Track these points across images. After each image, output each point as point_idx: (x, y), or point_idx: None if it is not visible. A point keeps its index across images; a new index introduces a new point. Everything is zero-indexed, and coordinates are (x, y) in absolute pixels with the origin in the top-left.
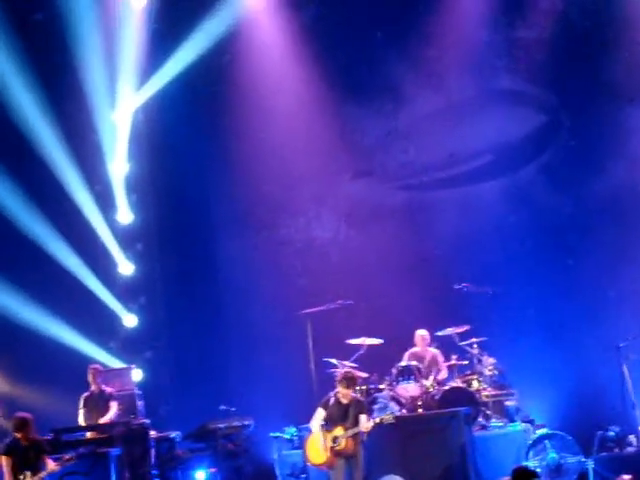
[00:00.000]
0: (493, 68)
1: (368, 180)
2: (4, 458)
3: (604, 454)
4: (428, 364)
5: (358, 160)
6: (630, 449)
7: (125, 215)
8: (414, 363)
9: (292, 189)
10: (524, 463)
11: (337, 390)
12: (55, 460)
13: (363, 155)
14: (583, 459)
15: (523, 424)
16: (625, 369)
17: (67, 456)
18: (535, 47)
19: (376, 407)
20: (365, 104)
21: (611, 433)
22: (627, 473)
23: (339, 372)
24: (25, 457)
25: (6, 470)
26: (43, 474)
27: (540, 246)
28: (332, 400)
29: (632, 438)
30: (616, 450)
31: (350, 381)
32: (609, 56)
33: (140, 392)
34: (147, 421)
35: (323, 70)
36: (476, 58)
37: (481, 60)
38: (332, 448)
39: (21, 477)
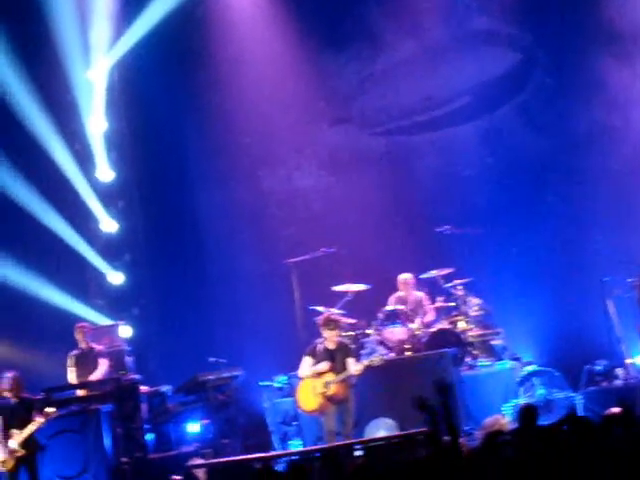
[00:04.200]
0: (467, 9)
1: (347, 127)
2: None
3: (592, 388)
4: (414, 307)
5: (336, 107)
6: (617, 382)
7: (105, 173)
8: (400, 307)
9: (271, 140)
10: (513, 401)
11: (323, 336)
12: None
13: (341, 102)
14: (571, 394)
15: (510, 362)
16: (609, 303)
17: (50, 410)
18: None
19: (364, 352)
20: (341, 51)
21: (598, 367)
22: (616, 406)
23: (319, 318)
24: (14, 416)
25: None
26: (28, 431)
27: (520, 186)
28: (319, 347)
29: (619, 371)
30: (604, 384)
31: (332, 322)
32: None
33: (129, 348)
34: (137, 376)
35: (298, 18)
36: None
37: (454, 1)
38: (323, 394)
39: (10, 436)
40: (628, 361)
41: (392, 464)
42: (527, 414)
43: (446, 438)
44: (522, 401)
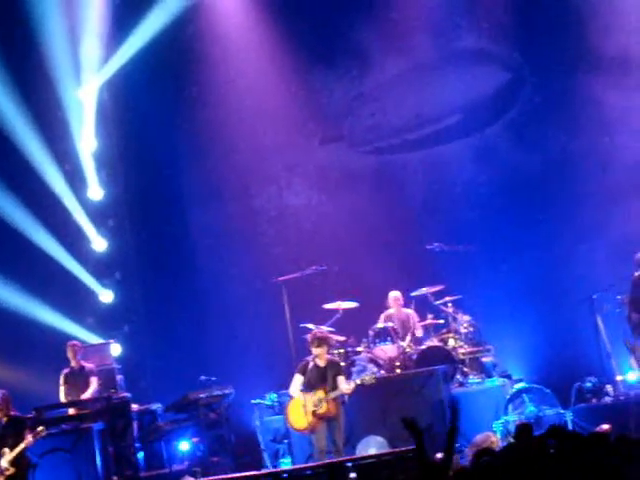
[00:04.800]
0: (456, 27)
1: (337, 145)
2: None
3: (582, 405)
4: (404, 325)
5: (326, 126)
6: (607, 399)
7: (96, 192)
8: (390, 324)
9: (262, 158)
10: (503, 418)
11: (313, 353)
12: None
13: (331, 121)
14: (561, 411)
15: (501, 379)
16: (599, 320)
17: (40, 428)
18: (496, 4)
19: (355, 370)
20: (331, 69)
21: (588, 384)
22: (605, 423)
23: (309, 335)
24: (5, 434)
25: None
26: (19, 449)
27: (510, 203)
28: (310, 365)
29: (609, 388)
30: (594, 401)
31: (321, 340)
32: (571, 12)
33: (119, 366)
34: (128, 395)
35: (288, 37)
36: (439, 18)
37: (444, 20)
38: (314, 412)
39: (1, 454)
40: (618, 378)
41: None
42: (523, 432)
43: (438, 456)
44: (512, 418)
